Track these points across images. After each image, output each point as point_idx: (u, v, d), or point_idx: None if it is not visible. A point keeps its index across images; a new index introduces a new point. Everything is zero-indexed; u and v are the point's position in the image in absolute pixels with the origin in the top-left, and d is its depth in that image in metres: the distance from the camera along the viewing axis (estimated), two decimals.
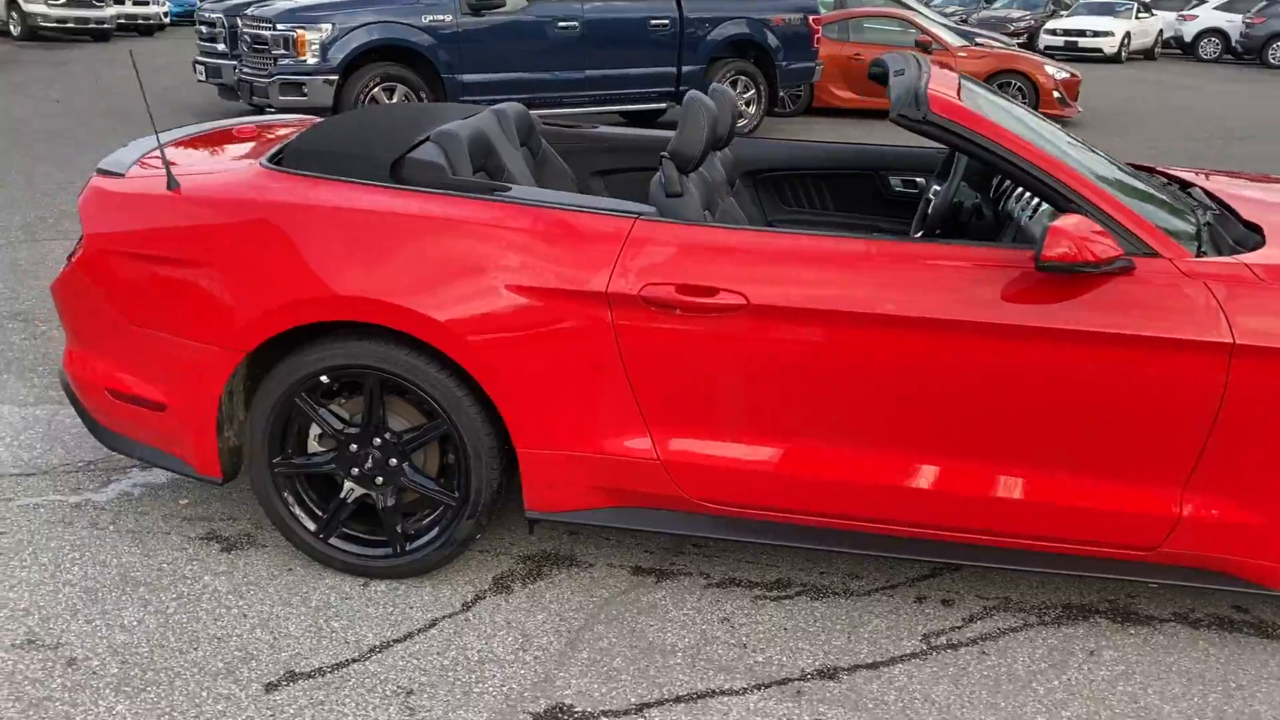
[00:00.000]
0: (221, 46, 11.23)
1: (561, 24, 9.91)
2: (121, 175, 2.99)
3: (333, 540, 2.99)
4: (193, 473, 2.99)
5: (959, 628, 2.85)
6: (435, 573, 3.00)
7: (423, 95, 9.38)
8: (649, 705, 2.53)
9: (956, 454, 2.67)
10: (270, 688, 2.54)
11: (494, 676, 2.61)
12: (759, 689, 2.59)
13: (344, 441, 2.91)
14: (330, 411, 2.90)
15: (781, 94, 11.84)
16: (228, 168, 2.97)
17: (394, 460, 2.90)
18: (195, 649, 2.67)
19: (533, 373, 2.72)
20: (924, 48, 12.84)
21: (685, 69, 10.75)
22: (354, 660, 2.65)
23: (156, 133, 3.10)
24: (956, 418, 2.63)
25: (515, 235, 2.71)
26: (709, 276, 2.65)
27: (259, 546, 3.12)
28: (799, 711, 2.51)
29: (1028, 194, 3.43)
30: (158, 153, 3.16)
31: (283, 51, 9.12)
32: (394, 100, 9.29)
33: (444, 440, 2.92)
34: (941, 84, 2.84)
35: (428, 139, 3.07)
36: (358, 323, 2.78)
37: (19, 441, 3.71)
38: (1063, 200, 2.63)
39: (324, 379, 2.82)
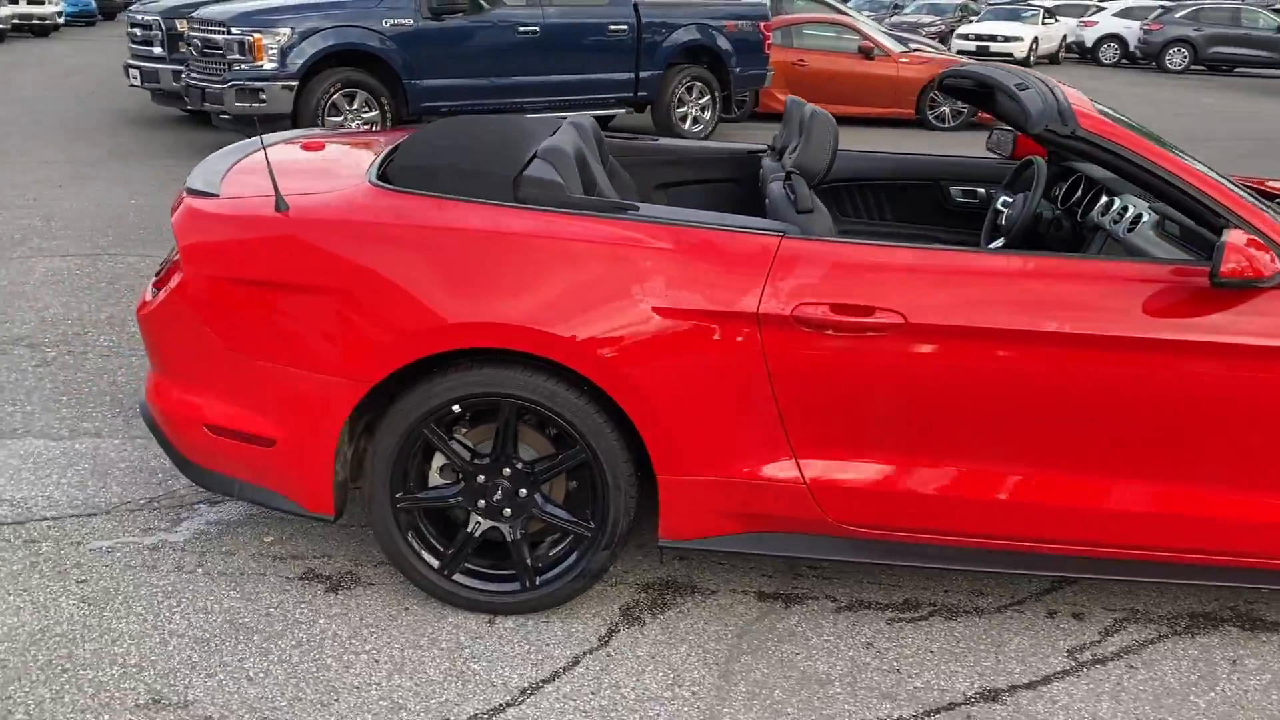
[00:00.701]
0: (158, 50, 10.78)
1: (522, 29, 9.76)
2: (215, 195, 2.80)
3: (456, 577, 2.85)
4: (301, 511, 2.82)
5: (1098, 641, 2.85)
6: (559, 606, 2.88)
7: (383, 101, 9.14)
8: None
9: (1122, 471, 2.66)
10: None
11: (658, 716, 2.51)
12: (928, 715, 2.55)
13: (472, 473, 2.77)
14: (458, 442, 2.76)
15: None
16: (333, 187, 2.81)
17: (523, 491, 2.78)
18: (336, 700, 2.51)
19: (677, 397, 2.63)
20: (866, 54, 13.02)
21: (643, 74, 10.70)
22: (508, 705, 2.52)
23: (264, 149, 2.91)
24: (1122, 435, 2.62)
25: (659, 255, 2.62)
26: (865, 295, 2.59)
27: (366, 585, 2.96)
28: None
29: (1116, 205, 3.45)
30: (248, 169, 2.98)
31: (238, 56, 8.78)
32: (354, 106, 9.04)
33: (573, 468, 2.81)
34: (1079, 100, 2.84)
35: (535, 155, 2.96)
36: (493, 349, 2.65)
37: (68, 479, 3.46)
38: (1214, 217, 2.64)
39: (455, 408, 2.69)
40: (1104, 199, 3.60)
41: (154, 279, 2.98)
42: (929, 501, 2.71)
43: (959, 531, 2.74)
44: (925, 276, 2.60)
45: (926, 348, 2.59)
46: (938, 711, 2.56)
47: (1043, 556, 2.76)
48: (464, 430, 2.81)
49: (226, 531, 3.20)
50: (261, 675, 2.58)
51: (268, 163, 2.80)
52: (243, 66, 8.78)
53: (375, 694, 2.54)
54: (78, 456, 3.61)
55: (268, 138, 3.52)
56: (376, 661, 2.65)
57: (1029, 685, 2.67)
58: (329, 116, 8.95)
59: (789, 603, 2.98)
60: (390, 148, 3.18)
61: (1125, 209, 3.39)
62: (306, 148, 3.40)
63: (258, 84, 8.72)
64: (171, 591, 2.89)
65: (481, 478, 2.78)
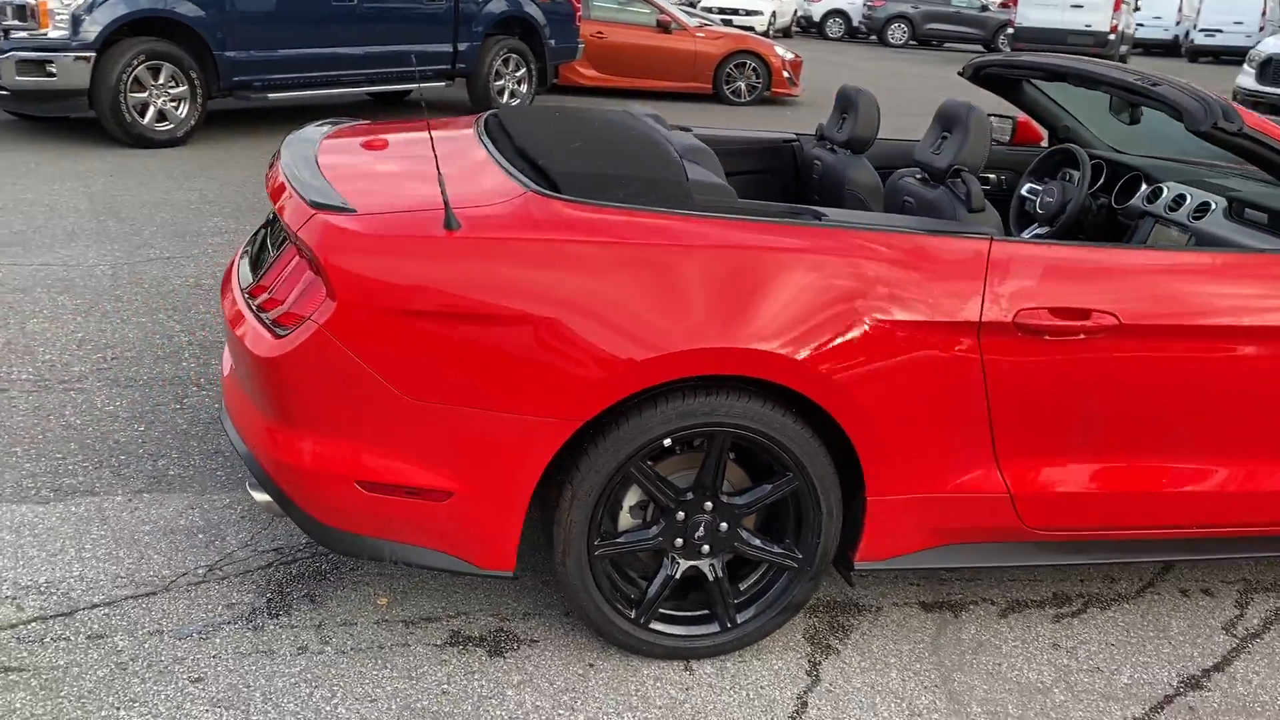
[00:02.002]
0: None
1: None
2: (353, 211, 2.36)
3: (653, 625, 2.59)
4: (471, 570, 2.47)
5: (1240, 615, 2.99)
6: (755, 643, 2.68)
7: (193, 74, 8.20)
8: None
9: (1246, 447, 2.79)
10: None
11: None
12: (1156, 711, 2.57)
13: (673, 510, 2.52)
14: (660, 478, 2.50)
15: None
16: (474, 197, 2.43)
17: (724, 525, 2.56)
18: None
19: (895, 414, 2.50)
20: (664, 27, 13.06)
21: (461, 46, 10.21)
22: None
23: (436, 159, 2.48)
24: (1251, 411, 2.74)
25: (874, 265, 2.47)
26: (1081, 298, 2.56)
27: (529, 643, 2.64)
28: None
29: (1169, 194, 3.61)
30: (342, 173, 2.55)
31: (16, 22, 7.58)
32: (159, 81, 8.05)
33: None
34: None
35: (682, 158, 2.71)
36: (708, 375, 2.41)
37: (90, 552, 2.85)
38: None
39: (666, 442, 2.42)
40: (1145, 187, 3.75)
41: (250, 308, 2.49)
42: (1117, 499, 2.73)
43: (1142, 524, 2.78)
44: (1135, 276, 2.59)
45: (1138, 348, 2.59)
46: (1162, 706, 2.59)
47: (1213, 541, 2.85)
48: (649, 463, 2.53)
49: (328, 597, 2.75)
50: None
51: (438, 170, 2.38)
52: (22, 34, 7.59)
53: None
54: (83, 522, 2.99)
55: (308, 131, 3.03)
56: None
57: (1216, 667, 2.76)
58: (131, 93, 7.92)
59: (956, 611, 2.93)
60: (487, 144, 2.81)
61: (1184, 197, 3.54)
62: (368, 145, 2.95)
63: (45, 55, 7.58)
64: (315, 680, 2.45)
65: (681, 514, 2.53)
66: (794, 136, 3.99)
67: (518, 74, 10.89)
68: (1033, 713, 2.54)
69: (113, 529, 2.97)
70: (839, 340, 2.41)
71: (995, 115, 4.32)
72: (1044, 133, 4.28)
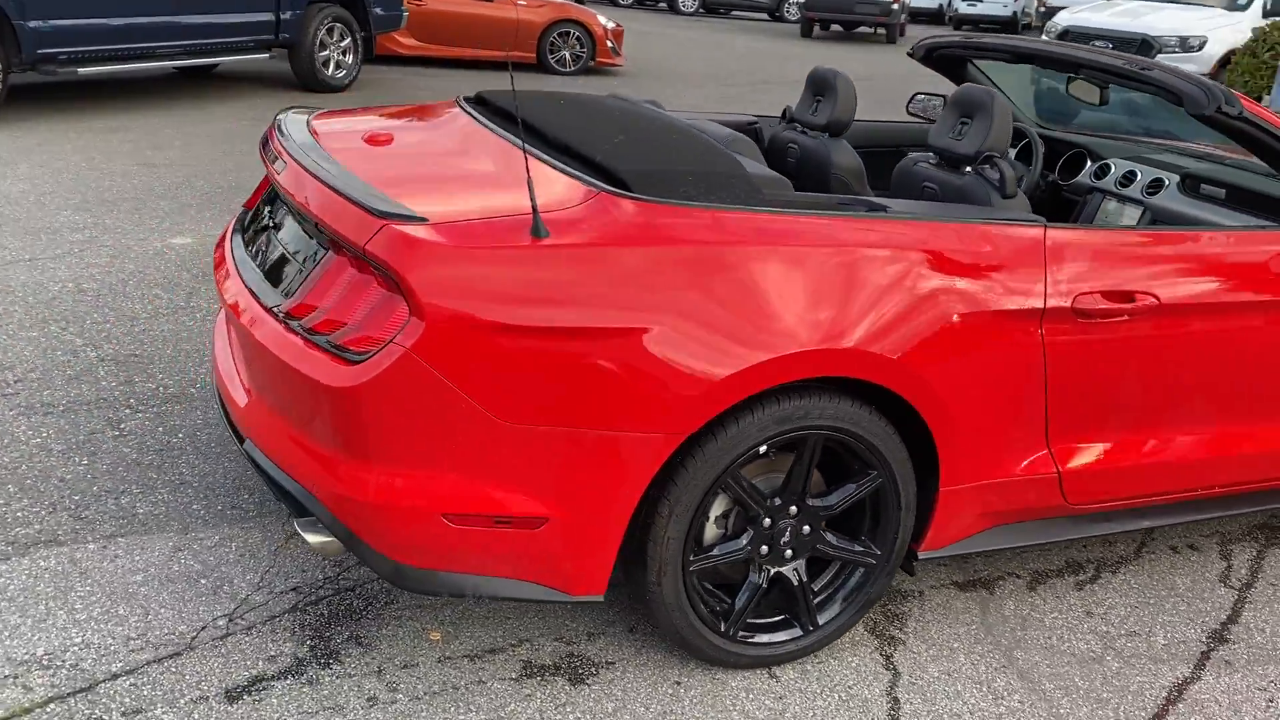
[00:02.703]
0: None
1: None
2: (425, 220, 2.15)
3: (741, 636, 2.51)
4: (560, 598, 2.33)
5: (1230, 567, 3.20)
6: (814, 661, 2.64)
7: None
8: (1164, 715, 2.54)
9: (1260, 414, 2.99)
10: None
11: None
12: (1199, 669, 2.72)
13: (759, 517, 2.45)
14: (752, 486, 2.42)
15: None
16: (561, 202, 2.26)
17: (807, 528, 2.51)
18: None
19: (969, 405, 2.52)
20: None
21: (284, 14, 9.57)
22: None
23: (526, 159, 2.25)
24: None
25: (948, 256, 2.46)
26: (1127, 281, 2.64)
27: (606, 666, 2.51)
28: (1262, 680, 2.70)
29: (1118, 171, 3.79)
30: (390, 178, 2.33)
31: None
32: None
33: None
34: None
35: (731, 152, 2.63)
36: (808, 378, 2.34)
37: (84, 613, 2.51)
38: None
39: (762, 449, 2.35)
40: (1091, 164, 3.92)
41: (297, 330, 2.23)
42: (1148, 469, 2.85)
43: (1167, 490, 2.92)
44: (1170, 257, 2.70)
45: (1173, 326, 2.70)
46: (1203, 664, 2.75)
47: (1231, 498, 3.04)
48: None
49: (375, 638, 2.53)
50: None
51: (528, 173, 2.18)
52: None
53: None
54: (61, 578, 2.62)
55: (291, 115, 2.75)
56: None
57: (1230, 620, 2.95)
58: None
59: (989, 588, 3.00)
60: (506, 135, 2.64)
61: (1134, 173, 3.73)
62: (374, 140, 2.70)
63: None
64: None
65: (767, 521, 2.46)
66: (754, 118, 3.93)
67: (343, 44, 10.32)
68: (1098, 683, 2.63)
69: (99, 583, 2.61)
70: (923, 334, 2.40)
71: (923, 93, 4.42)
72: None
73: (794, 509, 2.48)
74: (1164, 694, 2.61)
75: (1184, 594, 3.05)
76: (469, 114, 2.92)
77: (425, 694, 2.37)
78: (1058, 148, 4.10)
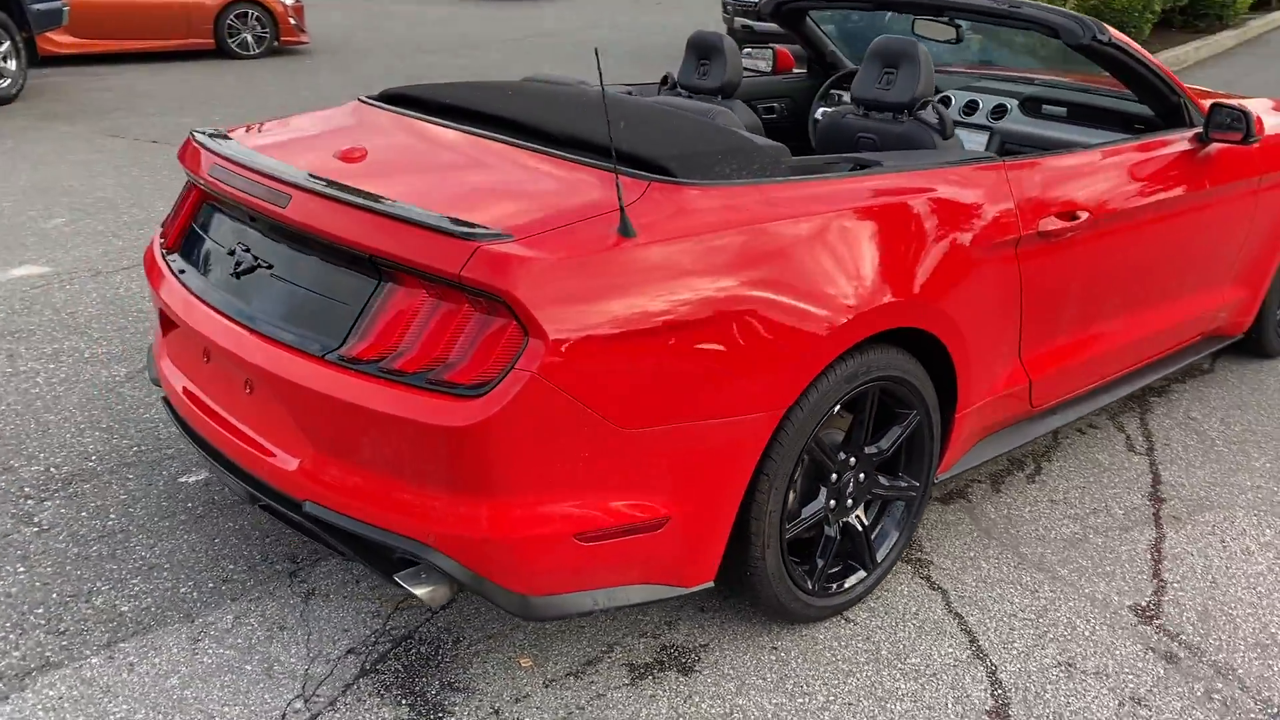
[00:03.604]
0: None
1: None
2: (511, 237, 2.04)
3: (825, 589, 2.61)
4: (677, 593, 2.33)
5: (1129, 438, 3.67)
6: (874, 598, 2.77)
7: None
8: (1159, 573, 2.91)
9: (1173, 294, 3.44)
10: None
11: (1075, 624, 2.71)
12: (1162, 527, 3.13)
13: (831, 473, 2.55)
14: (827, 445, 2.51)
15: None
16: (613, 197, 2.22)
17: (863, 475, 2.64)
18: None
19: (978, 334, 2.74)
20: None
21: None
22: (1006, 690, 2.51)
23: (617, 172, 2.14)
24: (1181, 264, 3.39)
25: (949, 200, 2.65)
26: (1070, 200, 2.94)
27: (704, 649, 2.54)
28: (1208, 527, 3.13)
29: (961, 101, 4.14)
30: (425, 196, 2.20)
31: None
32: None
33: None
34: None
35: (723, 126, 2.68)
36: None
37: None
38: (1176, 97, 3.43)
39: (836, 409, 2.44)
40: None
41: (380, 375, 2.06)
42: (1091, 362, 3.22)
43: (1103, 377, 3.31)
44: (1091, 174, 3.03)
45: (1102, 234, 3.04)
46: (1159, 523, 3.15)
47: (1142, 371, 3.49)
48: None
49: (469, 681, 2.40)
50: None
51: (617, 182, 2.10)
52: None
53: None
54: (87, 702, 2.27)
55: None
56: (854, 705, 2.38)
57: (1156, 480, 3.39)
58: None
59: (965, 498, 3.27)
60: (475, 132, 2.57)
61: (975, 102, 4.09)
62: (344, 157, 2.49)
63: None
64: None
65: (835, 476, 2.57)
66: (629, 88, 3.93)
67: (1, 48, 9.09)
68: (1096, 559, 2.96)
69: (135, 699, 2.29)
70: (946, 275, 2.58)
71: (754, 46, 4.58)
72: (795, 60, 4.62)
73: (853, 460, 2.59)
74: (1149, 556, 2.98)
75: (1110, 467, 3.46)
76: (413, 116, 2.76)
77: (579, 708, 2.29)
78: None
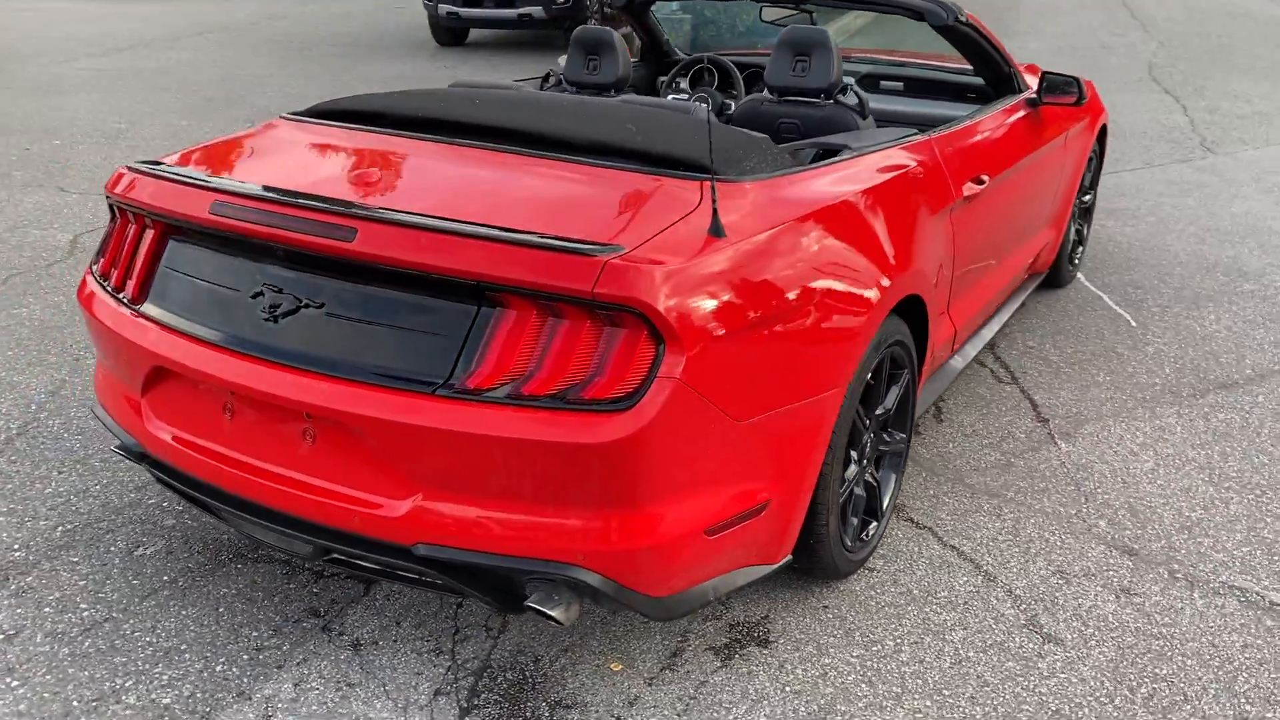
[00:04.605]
0: None
1: None
2: (622, 248, 2.07)
3: (859, 543, 2.82)
4: (769, 569, 2.47)
5: (1016, 378, 4.15)
6: (883, 546, 2.99)
7: None
8: (1086, 480, 3.36)
9: (1024, 241, 3.93)
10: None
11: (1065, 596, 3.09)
12: (1061, 441, 3.60)
13: (860, 437, 2.75)
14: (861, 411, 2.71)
15: None
16: (671, 197, 2.29)
17: (873, 435, 2.87)
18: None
19: (936, 293, 3.04)
20: None
21: None
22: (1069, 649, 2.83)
23: (713, 179, 2.15)
24: (1030, 213, 3.87)
25: (916, 176, 2.93)
26: (976, 165, 3.30)
27: (765, 621, 2.67)
28: (1095, 439, 3.64)
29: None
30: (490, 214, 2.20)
31: None
32: None
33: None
34: None
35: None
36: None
37: None
38: (1008, 69, 3.90)
39: (869, 377, 2.65)
40: None
41: (513, 401, 2.03)
42: (986, 304, 3.62)
43: (982, 319, 3.73)
44: (986, 142, 3.41)
45: (995, 190, 3.44)
46: (1055, 439, 3.62)
47: (996, 312, 3.97)
48: None
49: (574, 695, 2.40)
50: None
51: (713, 186, 2.15)
52: None
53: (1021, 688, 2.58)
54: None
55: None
56: (920, 642, 2.61)
57: (1033, 404, 3.87)
58: None
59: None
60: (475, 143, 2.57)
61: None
62: (366, 180, 2.39)
63: None
64: None
65: (863, 439, 2.77)
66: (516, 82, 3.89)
67: None
68: (1028, 481, 3.36)
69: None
70: (925, 242, 2.86)
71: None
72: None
73: (868, 422, 2.81)
74: (1065, 469, 3.42)
75: (992, 399, 3.91)
76: (395, 134, 2.66)
77: (696, 712, 2.35)
78: (735, 71, 4.61)
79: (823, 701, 2.40)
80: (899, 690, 2.44)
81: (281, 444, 2.25)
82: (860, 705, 2.39)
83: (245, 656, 2.48)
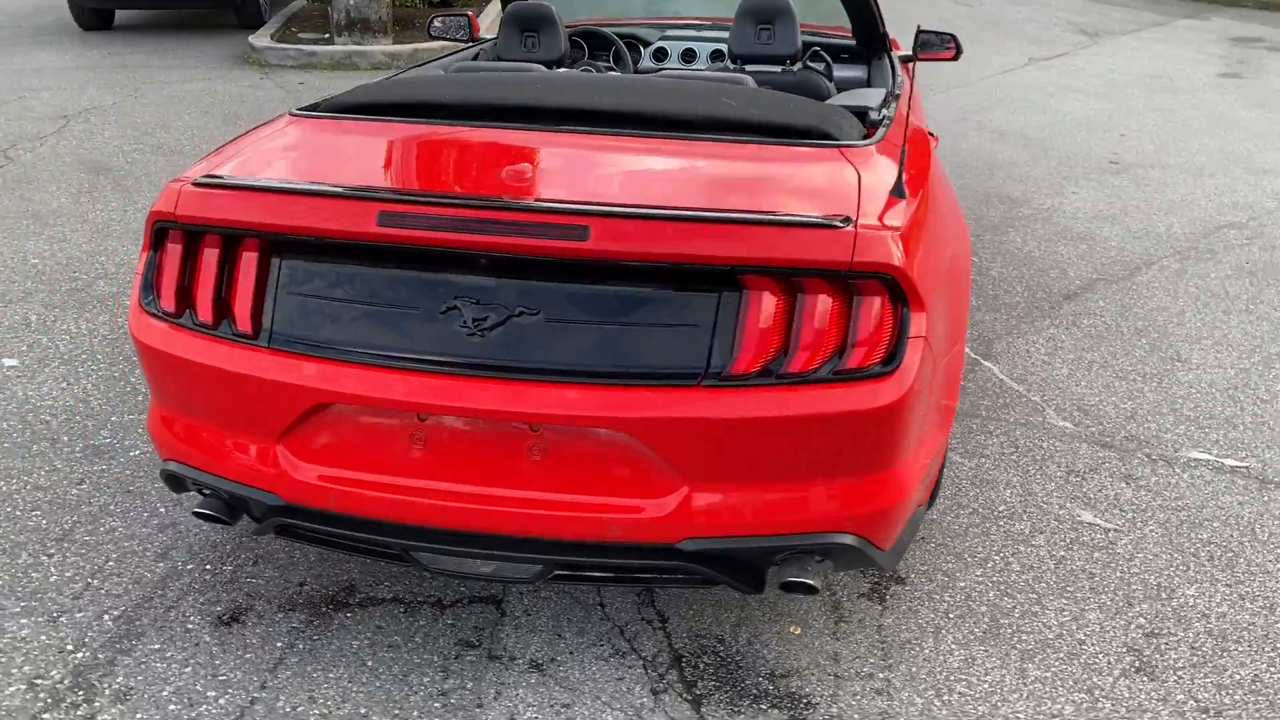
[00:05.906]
0: None
1: None
2: (849, 219, 2.13)
3: None
4: (925, 513, 2.63)
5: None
6: None
7: None
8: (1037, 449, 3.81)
9: None
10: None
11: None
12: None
13: None
14: None
15: None
16: (825, 164, 2.39)
17: None
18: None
19: None
20: None
21: None
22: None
23: (905, 136, 2.18)
24: None
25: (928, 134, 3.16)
26: (920, 123, 3.60)
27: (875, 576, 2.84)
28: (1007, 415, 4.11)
29: (651, 49, 4.52)
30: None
31: None
32: None
33: None
34: None
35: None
36: None
37: None
38: (882, 29, 4.22)
39: None
40: (646, 50, 4.60)
41: (773, 386, 2.05)
42: None
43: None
44: (917, 99, 3.71)
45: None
46: (992, 354, 4.06)
47: None
48: None
49: (785, 666, 2.45)
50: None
51: (903, 149, 2.23)
52: None
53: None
54: None
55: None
56: (1039, 565, 2.89)
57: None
58: None
59: None
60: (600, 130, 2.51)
61: (692, 50, 4.55)
62: (519, 177, 2.27)
63: None
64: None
65: None
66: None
67: None
68: (991, 399, 3.75)
69: None
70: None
71: (444, 15, 4.48)
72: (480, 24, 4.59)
73: None
74: (1005, 382, 3.85)
75: None
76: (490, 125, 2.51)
77: (880, 664, 2.46)
78: (610, 41, 4.57)
79: (986, 624, 2.61)
80: (1035, 596, 2.70)
81: (498, 463, 2.10)
82: (1016, 615, 2.63)
83: (437, 704, 2.29)
